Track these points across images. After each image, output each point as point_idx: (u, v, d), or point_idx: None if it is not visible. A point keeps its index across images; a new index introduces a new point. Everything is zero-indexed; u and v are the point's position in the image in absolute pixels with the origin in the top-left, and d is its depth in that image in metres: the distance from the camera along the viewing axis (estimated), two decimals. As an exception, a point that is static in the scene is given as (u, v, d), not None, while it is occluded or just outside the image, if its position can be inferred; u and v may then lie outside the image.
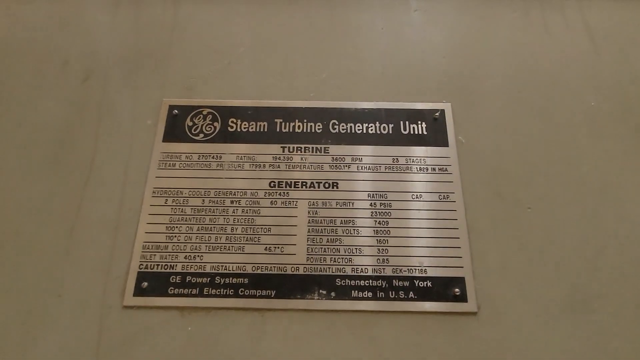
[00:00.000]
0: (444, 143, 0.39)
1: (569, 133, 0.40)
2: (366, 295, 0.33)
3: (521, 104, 0.41)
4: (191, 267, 0.34)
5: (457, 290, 0.33)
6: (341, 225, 0.36)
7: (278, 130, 0.40)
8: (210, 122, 0.41)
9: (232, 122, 0.41)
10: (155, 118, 0.41)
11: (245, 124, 0.40)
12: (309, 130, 0.40)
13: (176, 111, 0.41)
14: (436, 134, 0.40)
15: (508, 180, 0.38)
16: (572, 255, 0.35)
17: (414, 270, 0.34)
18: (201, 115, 0.41)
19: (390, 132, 0.40)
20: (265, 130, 0.40)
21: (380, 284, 0.34)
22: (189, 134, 0.40)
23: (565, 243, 0.35)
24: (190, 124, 0.41)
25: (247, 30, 0.47)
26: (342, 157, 0.39)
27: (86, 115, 0.42)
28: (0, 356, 0.32)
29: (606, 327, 0.33)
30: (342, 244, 0.35)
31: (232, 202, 0.37)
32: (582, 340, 0.33)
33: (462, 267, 0.34)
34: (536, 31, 0.46)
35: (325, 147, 0.39)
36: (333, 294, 0.34)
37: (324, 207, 0.37)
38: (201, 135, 0.40)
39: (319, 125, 0.40)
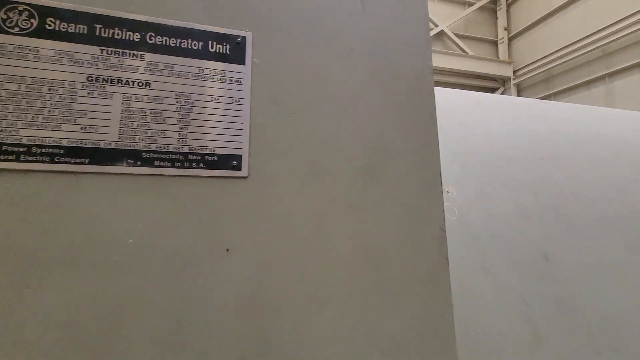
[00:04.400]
0: (242, 62, 0.52)
1: (332, 63, 0.57)
2: (166, 165, 0.46)
3: (304, 39, 0.56)
4: (7, 139, 0.41)
5: (234, 162, 0.49)
6: (150, 115, 0.47)
7: (98, 34, 0.47)
8: (27, 18, 0.45)
9: (51, 21, 0.45)
10: (-38, 6, 0.43)
11: (64, 24, 0.46)
12: (127, 38, 0.48)
13: (-13, 3, 0.44)
14: (237, 55, 0.52)
15: (284, 92, 0.54)
16: (316, 141, 0.53)
17: (205, 149, 0.48)
18: (17, 11, 0.44)
19: (200, 48, 0.51)
20: (85, 32, 0.46)
21: (178, 157, 0.47)
22: (3, 26, 0.44)
23: (313, 135, 0.54)
24: (5, 17, 0.44)
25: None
26: (155, 63, 0.48)
27: None
28: None
29: (332, 188, 0.53)
30: (149, 128, 0.46)
31: (49, 89, 0.44)
32: (318, 195, 0.52)
33: (241, 148, 0.50)
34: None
35: (141, 54, 0.48)
36: (139, 162, 0.45)
37: (137, 100, 0.47)
38: (17, 29, 0.44)
39: (137, 35, 0.48)
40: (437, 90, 1.39)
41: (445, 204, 0.82)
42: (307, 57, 0.56)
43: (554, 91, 7.92)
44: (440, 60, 8.25)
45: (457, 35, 8.89)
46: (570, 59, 7.50)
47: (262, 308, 0.47)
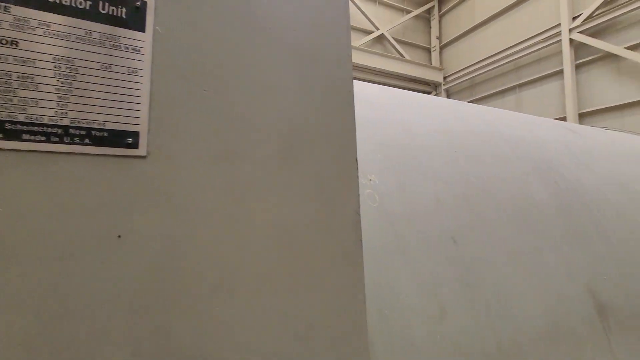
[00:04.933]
0: (142, 29, 0.47)
1: (248, 42, 0.55)
2: (39, 139, 0.39)
3: (215, 12, 0.53)
4: None
5: (130, 139, 0.44)
6: (18, 80, 0.39)
7: (-59, -25, 0.38)
8: None
9: None
10: None
11: None
12: (-14, -15, 0.40)
13: None
14: (135, 20, 0.47)
15: (193, 67, 0.50)
16: (228, 121, 0.51)
17: (92, 123, 0.42)
18: None
19: (87, 8, 0.44)
20: None
21: (55, 131, 0.40)
22: None
23: (225, 114, 0.51)
24: None
25: None
26: (26, 19, 0.41)
27: None
28: None
29: (244, 170, 0.51)
30: (15, 95, 0.39)
31: None
32: (229, 177, 0.49)
33: (138, 124, 0.45)
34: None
35: (6, 6, 0.40)
36: (1, 135, 0.38)
37: (-2, 60, 0.39)
38: None
39: (0, -17, 0.40)
40: (370, 86, 1.45)
41: (367, 191, 0.85)
42: (219, 32, 0.52)
43: (476, 97, 8.87)
44: (380, 62, 8.67)
45: (396, 39, 9.43)
46: (489, 70, 8.47)
47: (161, 299, 0.43)
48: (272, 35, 0.57)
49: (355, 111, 1.13)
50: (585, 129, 2.03)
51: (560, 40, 6.94)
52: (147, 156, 0.45)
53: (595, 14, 6.40)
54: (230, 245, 0.48)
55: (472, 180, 1.05)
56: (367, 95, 1.24)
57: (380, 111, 1.16)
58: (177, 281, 0.44)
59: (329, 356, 0.51)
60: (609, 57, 6.31)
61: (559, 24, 6.95)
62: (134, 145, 0.44)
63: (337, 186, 0.58)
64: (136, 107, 0.45)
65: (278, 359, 0.48)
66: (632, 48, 5.94)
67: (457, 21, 9.49)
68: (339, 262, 0.55)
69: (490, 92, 8.55)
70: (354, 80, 1.44)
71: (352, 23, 8.80)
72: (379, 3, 9.34)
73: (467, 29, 9.11)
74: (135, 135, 0.44)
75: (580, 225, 1.10)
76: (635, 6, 5.80)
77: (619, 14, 6.04)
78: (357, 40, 8.66)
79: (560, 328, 0.88)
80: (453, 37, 9.57)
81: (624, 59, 6.03)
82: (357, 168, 0.61)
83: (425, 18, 10.25)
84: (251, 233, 0.49)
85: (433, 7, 10.06)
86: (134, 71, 0.45)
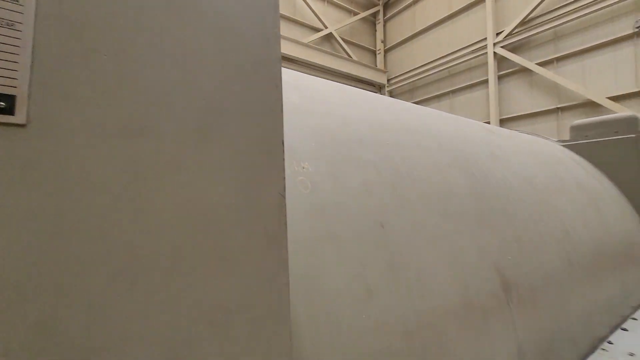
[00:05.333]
0: (22, -23, 0.40)
1: (158, 6, 0.50)
2: None
3: (122, -28, 0.48)
4: None
5: (2, 104, 0.37)
6: None
7: None
8: None
9: None
10: None
11: None
12: None
13: None
14: (13, -35, 0.40)
15: (89, 27, 0.44)
16: (132, 91, 0.46)
17: (-53, 80, 0.35)
18: None
19: (-57, -60, 0.36)
20: None
21: None
22: None
23: (129, 84, 0.46)
24: None
25: None
26: None
27: None
28: None
29: (152, 147, 0.46)
30: None
31: None
32: (133, 153, 0.45)
33: (15, 87, 0.38)
34: None
35: None
36: None
37: None
38: None
39: None
40: (310, 77, 1.45)
41: (299, 178, 0.85)
42: (126, -7, 0.47)
43: (416, 100, 9.50)
44: (328, 61, 8.81)
45: (344, 40, 9.65)
46: (427, 75, 9.13)
47: (43, 289, 0.37)
48: (189, 2, 0.53)
49: (293, 100, 1.13)
50: (501, 130, 2.29)
51: (486, 52, 7.75)
52: (26, 125, 0.38)
53: (514, 32, 7.27)
54: (135, 229, 0.44)
55: (399, 169, 1.11)
56: (306, 86, 1.24)
57: (318, 102, 1.17)
58: (65, 269, 0.39)
59: (247, 341, 0.50)
60: (523, 70, 7.23)
61: (486, 38, 7.75)
62: (9, 111, 0.37)
63: (261, 167, 0.56)
64: (12, 66, 0.38)
65: (189, 347, 0.45)
66: (541, 64, 6.88)
67: (400, 27, 10.05)
68: (261, 244, 0.54)
69: (428, 96, 9.23)
70: (296, 72, 1.43)
71: (302, 19, 8.79)
72: (327, 2, 9.47)
73: (409, 35, 9.70)
74: (10, 99, 0.37)
75: (490, 212, 1.24)
76: (545, 28, 6.73)
77: (532, 33, 6.95)
78: (306, 36, 8.69)
79: (471, 304, 0.97)
80: (396, 42, 10.12)
81: (535, 73, 6.96)
82: (283, 150, 0.60)
83: (372, 21, 10.66)
84: (160, 214, 0.46)
85: (378, 11, 10.50)
86: (9, 24, 0.39)
